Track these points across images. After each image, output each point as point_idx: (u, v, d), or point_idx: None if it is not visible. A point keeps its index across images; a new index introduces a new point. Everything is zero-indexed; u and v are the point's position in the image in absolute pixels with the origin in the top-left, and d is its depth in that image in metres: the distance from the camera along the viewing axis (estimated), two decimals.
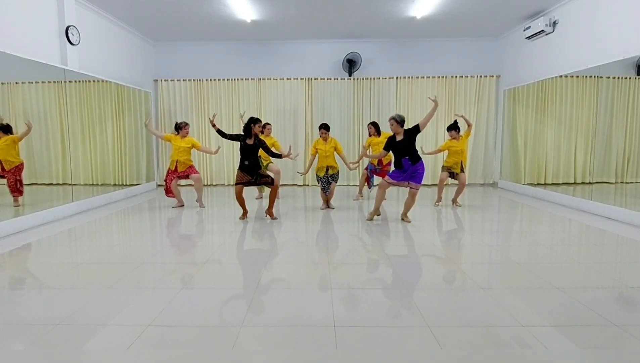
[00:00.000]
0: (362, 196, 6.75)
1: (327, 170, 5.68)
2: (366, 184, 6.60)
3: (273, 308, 2.47)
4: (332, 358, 1.89)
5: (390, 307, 2.50)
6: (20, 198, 4.86)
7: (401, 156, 4.62)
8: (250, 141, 4.90)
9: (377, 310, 2.43)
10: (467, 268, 3.26)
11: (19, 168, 4.82)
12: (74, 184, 5.69)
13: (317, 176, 5.75)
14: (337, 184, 5.98)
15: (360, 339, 2.06)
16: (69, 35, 5.59)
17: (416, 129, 4.55)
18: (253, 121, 4.91)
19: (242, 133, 4.97)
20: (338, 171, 5.77)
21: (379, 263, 3.43)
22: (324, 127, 5.62)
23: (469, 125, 5.84)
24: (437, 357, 1.90)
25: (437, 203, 6.05)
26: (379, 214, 5.06)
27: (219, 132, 5.03)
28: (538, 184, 6.98)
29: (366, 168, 6.54)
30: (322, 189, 5.75)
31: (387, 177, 4.84)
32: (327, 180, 5.68)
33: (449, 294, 2.73)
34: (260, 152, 6.43)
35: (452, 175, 5.93)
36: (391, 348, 1.98)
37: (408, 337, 2.11)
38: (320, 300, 2.58)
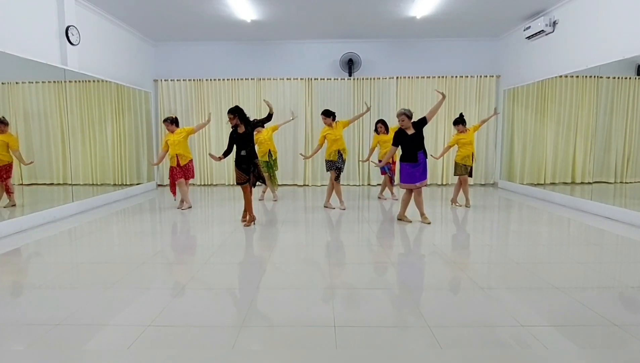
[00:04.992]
0: (394, 196, 6.70)
1: (340, 154, 5.62)
2: (389, 183, 6.62)
3: (273, 308, 2.47)
4: (332, 358, 1.89)
5: (391, 307, 2.50)
6: (13, 196, 4.83)
7: (415, 150, 4.66)
8: (241, 130, 4.68)
9: (377, 310, 2.43)
10: (467, 268, 3.26)
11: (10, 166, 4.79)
12: (74, 184, 5.69)
13: (330, 162, 5.63)
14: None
15: (360, 339, 2.06)
16: (69, 35, 5.59)
17: (423, 121, 4.67)
18: (230, 111, 4.64)
19: (232, 130, 4.76)
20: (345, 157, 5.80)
21: (379, 263, 3.43)
22: (323, 113, 5.64)
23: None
24: (437, 357, 1.90)
25: (467, 205, 5.95)
26: (409, 221, 4.92)
27: (225, 154, 4.80)
28: (538, 184, 6.99)
29: (383, 171, 6.52)
30: (336, 177, 5.63)
31: (403, 184, 4.79)
32: (342, 164, 5.64)
33: (449, 294, 2.73)
34: (269, 145, 6.38)
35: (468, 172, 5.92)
36: (391, 348, 1.98)
37: (408, 337, 2.11)
38: (320, 300, 2.58)
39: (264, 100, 5.45)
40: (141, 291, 2.77)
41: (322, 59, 8.51)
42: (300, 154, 7.23)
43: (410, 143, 4.67)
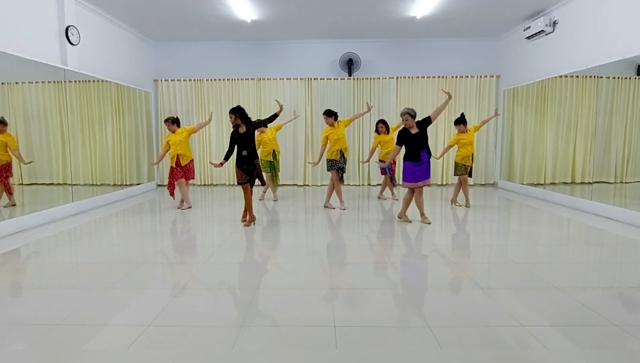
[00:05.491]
0: (394, 196, 6.71)
1: (342, 154, 5.59)
2: (391, 183, 6.62)
3: (273, 308, 2.47)
4: (332, 358, 1.89)
5: (391, 307, 2.50)
6: (13, 196, 4.83)
7: (419, 149, 4.67)
8: (242, 130, 4.66)
9: (377, 310, 2.43)
10: (467, 268, 3.26)
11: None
12: (74, 184, 5.69)
13: (332, 161, 5.59)
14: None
15: (360, 339, 2.06)
16: (69, 35, 5.59)
17: (428, 121, 4.69)
18: (231, 111, 4.64)
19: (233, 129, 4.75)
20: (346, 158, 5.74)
21: (379, 263, 3.43)
22: (325, 113, 5.64)
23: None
24: (437, 357, 1.90)
25: (467, 205, 5.96)
26: (409, 221, 4.91)
27: (227, 157, 4.81)
28: (538, 184, 6.99)
29: (384, 172, 6.51)
30: (340, 177, 5.62)
31: (406, 183, 4.79)
32: (343, 164, 5.61)
33: (449, 294, 2.73)
34: (274, 144, 6.38)
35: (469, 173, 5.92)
36: (391, 348, 1.98)
37: (408, 337, 2.11)
38: (320, 300, 2.58)
39: (276, 100, 5.67)
40: (141, 291, 2.77)
41: (322, 59, 8.51)
42: (309, 162, 7.29)
43: (413, 142, 4.68)
